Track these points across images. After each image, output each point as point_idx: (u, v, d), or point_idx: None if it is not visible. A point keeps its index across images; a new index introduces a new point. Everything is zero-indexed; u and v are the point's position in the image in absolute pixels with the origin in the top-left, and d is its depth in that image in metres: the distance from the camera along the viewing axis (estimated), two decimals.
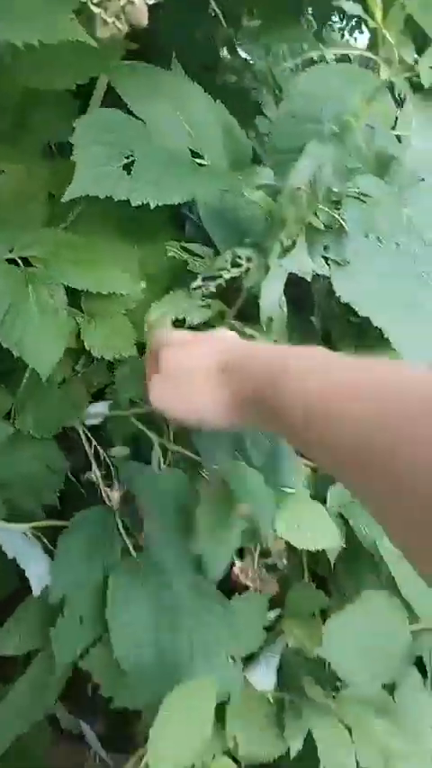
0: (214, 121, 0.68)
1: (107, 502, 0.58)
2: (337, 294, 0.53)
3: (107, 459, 0.61)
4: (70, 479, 0.67)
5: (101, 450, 0.61)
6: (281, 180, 0.52)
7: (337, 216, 0.49)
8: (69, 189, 0.54)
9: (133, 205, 0.55)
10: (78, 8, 0.46)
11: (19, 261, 0.58)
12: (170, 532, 0.53)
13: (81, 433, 0.63)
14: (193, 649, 0.52)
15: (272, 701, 0.54)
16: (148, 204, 0.67)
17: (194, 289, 0.52)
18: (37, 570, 0.50)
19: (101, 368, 0.70)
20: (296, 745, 0.53)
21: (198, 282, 0.52)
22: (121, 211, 0.67)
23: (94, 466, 0.60)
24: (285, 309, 0.52)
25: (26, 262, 0.59)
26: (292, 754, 0.54)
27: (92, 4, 0.37)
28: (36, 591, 0.50)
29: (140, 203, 0.56)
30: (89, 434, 0.62)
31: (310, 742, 0.54)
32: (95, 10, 0.37)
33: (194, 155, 0.64)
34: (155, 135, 0.61)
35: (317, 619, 0.58)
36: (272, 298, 0.50)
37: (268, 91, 1.12)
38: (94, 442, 0.61)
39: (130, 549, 0.55)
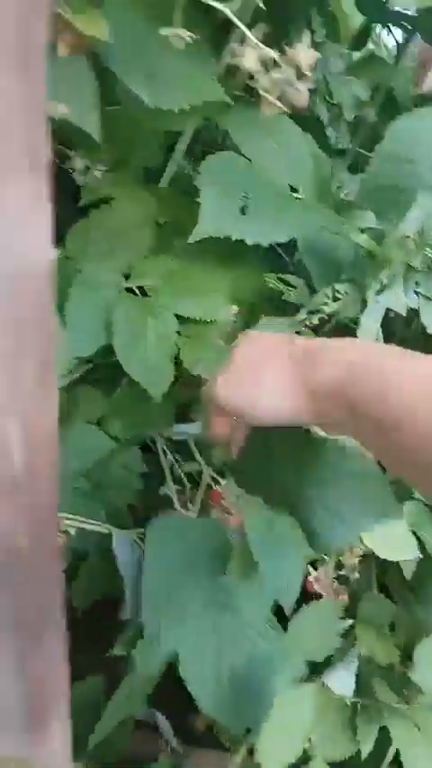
0: (306, 153, 0.73)
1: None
2: (427, 327, 0.58)
3: (182, 477, 0.64)
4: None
5: (177, 467, 0.65)
6: (381, 222, 0.57)
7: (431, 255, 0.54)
8: (195, 231, 0.59)
9: (249, 244, 0.60)
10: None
11: (135, 289, 0.65)
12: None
13: (160, 448, 0.67)
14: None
15: (348, 704, 0.59)
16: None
17: (300, 321, 0.58)
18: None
19: (190, 384, 0.76)
20: (367, 747, 0.59)
21: (302, 316, 0.57)
22: (216, 241, 0.74)
23: (169, 481, 0.63)
24: (382, 340, 0.57)
25: (140, 290, 0.65)
26: (363, 755, 0.59)
27: (262, 91, 0.43)
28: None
29: (253, 243, 0.60)
30: (166, 449, 0.66)
31: (378, 745, 0.60)
32: (264, 94, 0.43)
33: (291, 188, 0.69)
34: (260, 172, 0.66)
35: (385, 629, 0.63)
36: (370, 331, 0.56)
37: (325, 107, 1.14)
38: (169, 457, 0.65)
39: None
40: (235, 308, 0.68)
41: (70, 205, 0.74)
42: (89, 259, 0.69)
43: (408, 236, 0.51)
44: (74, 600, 0.62)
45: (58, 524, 0.37)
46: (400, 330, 0.73)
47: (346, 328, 0.68)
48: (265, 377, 0.42)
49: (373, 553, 0.62)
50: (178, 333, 0.67)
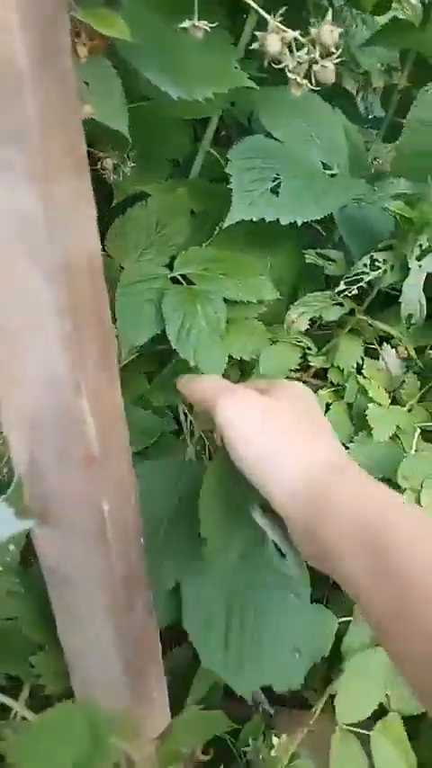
0: (337, 129, 0.74)
1: None
2: None
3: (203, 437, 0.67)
4: None
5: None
6: (417, 187, 0.58)
7: None
8: (229, 216, 0.61)
9: (283, 224, 0.61)
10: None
11: (180, 278, 0.68)
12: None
13: (181, 411, 0.70)
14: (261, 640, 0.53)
15: None
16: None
17: (338, 293, 0.59)
18: None
19: (232, 367, 0.78)
20: None
21: (342, 287, 0.59)
22: (254, 227, 0.75)
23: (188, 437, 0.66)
24: (425, 305, 0.58)
25: (185, 278, 0.68)
26: None
27: (288, 71, 0.44)
28: None
29: (287, 223, 0.62)
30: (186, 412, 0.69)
31: None
32: (291, 76, 0.44)
33: (324, 166, 0.70)
34: (292, 153, 0.68)
35: None
36: (412, 296, 0.57)
37: (352, 77, 1.13)
38: (190, 417, 0.68)
39: None
40: (276, 292, 0.70)
41: (104, 207, 0.77)
42: (130, 255, 0.72)
43: None
44: None
45: (137, 502, 0.41)
46: None
47: (387, 297, 0.69)
48: (285, 461, 0.37)
49: None
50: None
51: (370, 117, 1.17)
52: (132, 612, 0.39)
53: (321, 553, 0.34)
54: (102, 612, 0.38)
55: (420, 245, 0.56)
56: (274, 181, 0.64)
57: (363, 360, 0.69)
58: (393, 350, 0.71)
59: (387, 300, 0.72)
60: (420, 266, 0.56)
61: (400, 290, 0.62)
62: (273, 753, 0.51)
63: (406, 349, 0.70)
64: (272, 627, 0.52)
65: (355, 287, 0.59)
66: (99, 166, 0.72)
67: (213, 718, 0.32)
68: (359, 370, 0.68)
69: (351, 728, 0.54)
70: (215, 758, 0.73)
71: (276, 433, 0.38)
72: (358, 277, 0.59)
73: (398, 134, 0.66)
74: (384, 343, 0.71)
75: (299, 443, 0.38)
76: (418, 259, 0.56)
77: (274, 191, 0.64)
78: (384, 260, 0.58)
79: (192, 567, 0.50)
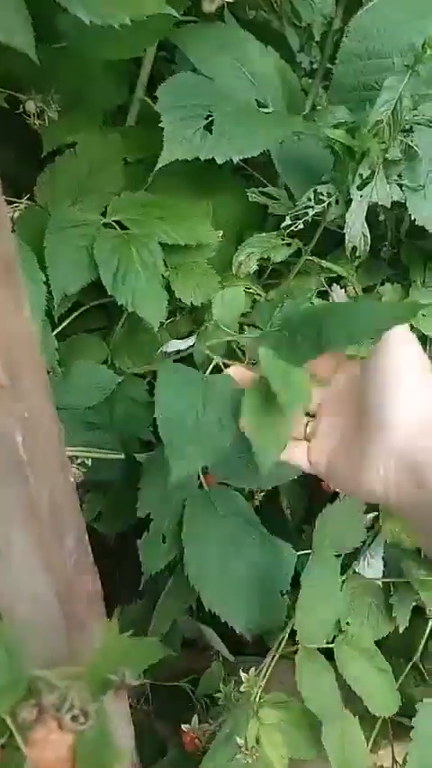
0: (271, 67, 0.72)
1: None
2: (413, 217, 0.58)
3: None
4: None
5: None
6: (355, 116, 0.56)
7: (410, 143, 0.53)
8: (162, 156, 0.58)
9: (219, 163, 0.59)
10: None
11: (114, 224, 0.65)
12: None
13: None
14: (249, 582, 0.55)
15: (380, 586, 0.61)
16: (215, 162, 0.72)
17: (285, 227, 0.57)
18: None
19: (185, 318, 0.77)
20: (404, 622, 0.61)
21: (288, 221, 0.57)
22: (190, 168, 0.73)
23: None
24: (369, 237, 0.57)
25: (119, 225, 0.65)
26: (401, 630, 0.61)
27: None
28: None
29: (224, 161, 0.60)
30: None
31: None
32: None
33: (259, 104, 0.68)
34: (223, 90, 0.65)
35: None
36: (356, 228, 0.55)
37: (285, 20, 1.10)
38: None
39: (204, 483, 0.59)
40: (219, 232, 0.68)
41: (32, 157, 0.73)
42: (61, 204, 0.68)
43: (380, 122, 0.50)
44: (102, 527, 0.63)
45: (61, 432, 0.38)
46: (391, 234, 0.72)
47: (334, 237, 0.68)
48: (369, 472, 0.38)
49: None
50: (165, 264, 0.68)
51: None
52: (62, 545, 0.37)
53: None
54: (27, 545, 0.35)
55: (361, 175, 0.54)
56: (207, 118, 0.62)
57: (313, 303, 0.67)
58: (342, 290, 0.69)
59: (333, 242, 0.71)
60: (362, 196, 0.55)
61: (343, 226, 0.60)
62: (242, 688, 0.50)
63: (354, 288, 0.69)
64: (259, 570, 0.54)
65: (302, 221, 0.57)
66: (21, 110, 0.68)
67: (146, 644, 0.30)
68: None
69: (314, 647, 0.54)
70: (176, 706, 0.72)
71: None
72: (303, 211, 0.57)
73: None
74: (333, 284, 0.70)
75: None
76: (359, 189, 0.55)
77: (208, 128, 0.61)
78: (328, 193, 0.56)
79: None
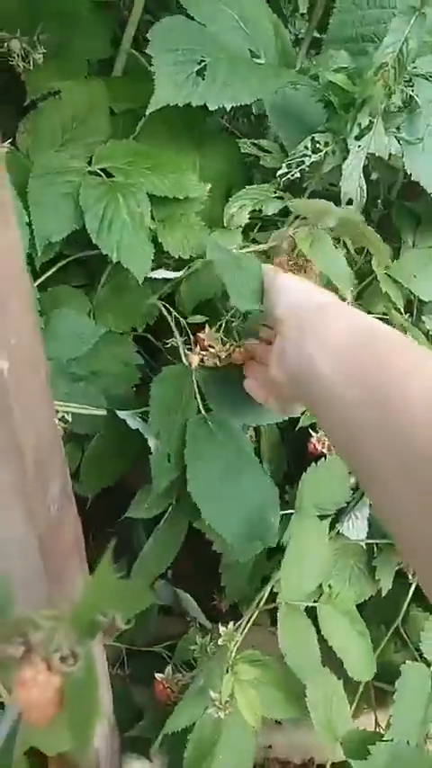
0: (265, 20, 0.69)
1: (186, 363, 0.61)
2: (408, 172, 0.56)
3: (186, 327, 0.64)
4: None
5: (180, 319, 0.64)
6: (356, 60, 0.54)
7: (411, 93, 0.51)
8: (152, 100, 0.56)
9: (211, 109, 0.57)
10: None
11: (100, 173, 0.62)
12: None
13: (161, 306, 0.66)
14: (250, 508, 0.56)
15: (364, 548, 0.61)
16: (204, 112, 0.70)
17: (280, 176, 0.55)
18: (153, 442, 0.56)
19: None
20: (387, 585, 0.61)
21: (284, 170, 0.55)
22: (177, 122, 0.70)
23: (175, 332, 0.63)
24: (365, 189, 0.55)
25: (106, 173, 0.62)
26: (384, 592, 0.61)
27: None
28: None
29: (216, 107, 0.57)
30: (168, 306, 0.65)
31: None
32: None
33: (252, 54, 0.65)
34: (217, 38, 0.62)
35: None
36: (353, 179, 0.53)
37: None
38: (173, 312, 0.64)
39: (202, 410, 0.59)
40: (207, 185, 0.66)
41: (16, 103, 0.70)
42: (44, 151, 0.65)
43: (385, 65, 0.48)
44: (82, 486, 0.61)
45: (48, 369, 0.36)
46: (383, 195, 0.71)
47: (327, 193, 0.66)
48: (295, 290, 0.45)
49: None
50: (152, 218, 0.65)
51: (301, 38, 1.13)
52: (45, 491, 0.35)
53: (306, 379, 0.37)
54: (8, 487, 0.33)
55: (359, 125, 0.53)
56: (199, 63, 0.59)
57: None
58: None
59: (326, 197, 0.70)
60: (360, 146, 0.53)
61: (339, 187, 0.59)
62: (220, 641, 0.49)
63: (345, 245, 0.67)
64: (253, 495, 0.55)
65: (297, 170, 0.55)
66: (5, 48, 0.64)
67: (136, 587, 0.28)
68: None
69: (296, 603, 0.53)
70: (152, 671, 0.71)
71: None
72: (300, 159, 0.54)
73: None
74: None
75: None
76: (358, 138, 0.53)
77: (200, 74, 0.58)
78: (325, 142, 0.54)
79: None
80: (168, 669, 0.54)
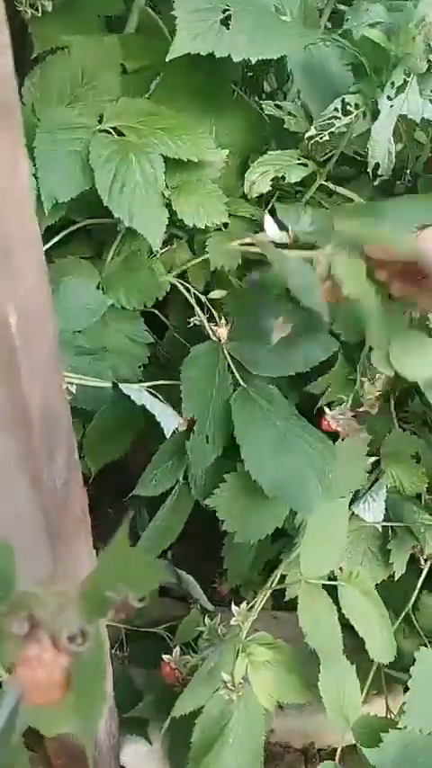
0: None
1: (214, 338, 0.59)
2: None
3: (208, 303, 0.62)
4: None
5: (201, 297, 0.63)
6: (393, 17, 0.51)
7: None
8: (173, 46, 0.52)
9: (235, 61, 0.53)
10: None
11: (111, 131, 0.59)
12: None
13: (179, 284, 0.64)
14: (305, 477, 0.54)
15: (379, 531, 0.59)
16: (221, 74, 0.66)
17: (308, 138, 0.52)
18: (165, 416, 0.54)
19: (182, 247, 0.71)
20: (400, 569, 0.59)
21: (313, 131, 0.51)
22: (194, 82, 0.66)
23: (197, 309, 0.62)
24: (394, 154, 0.52)
25: (117, 132, 0.59)
26: (396, 576, 0.59)
27: None
28: (168, 433, 0.54)
29: (241, 59, 0.54)
30: (186, 284, 0.64)
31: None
32: None
33: (277, 10, 0.62)
34: None
35: (411, 461, 0.61)
36: (382, 141, 0.50)
37: None
38: (192, 290, 0.63)
39: (240, 380, 0.57)
40: (225, 151, 0.62)
41: (20, 56, 0.66)
42: (51, 106, 0.62)
43: (427, 18, 0.45)
44: (84, 463, 0.59)
45: (56, 328, 0.33)
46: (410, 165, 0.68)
47: (353, 161, 0.63)
48: None
49: (392, 390, 0.60)
50: (166, 184, 0.62)
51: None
52: (51, 460, 0.32)
53: None
54: (12, 453, 0.30)
55: (393, 83, 0.49)
56: (224, 13, 0.55)
57: None
58: None
59: (349, 174, 0.67)
60: (392, 106, 0.49)
61: (365, 158, 0.55)
62: (233, 621, 0.47)
63: None
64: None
65: (327, 132, 0.51)
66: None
67: (150, 562, 0.25)
68: None
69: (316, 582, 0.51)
70: (152, 653, 0.70)
71: None
72: (329, 122, 0.51)
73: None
74: None
75: None
76: (390, 99, 0.50)
77: (225, 23, 0.55)
78: (356, 104, 0.51)
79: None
80: (176, 650, 0.52)
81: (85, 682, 0.23)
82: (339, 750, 0.52)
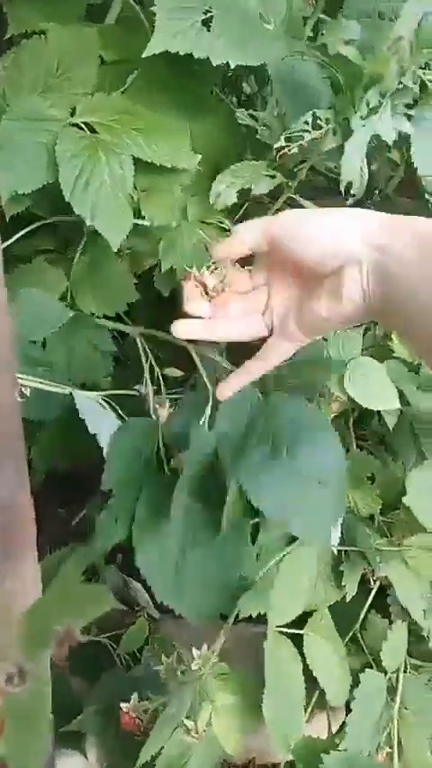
0: None
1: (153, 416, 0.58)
2: (413, 158, 0.54)
3: (159, 377, 0.61)
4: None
5: (155, 367, 0.61)
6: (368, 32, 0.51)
7: (424, 77, 0.48)
8: (150, 43, 0.51)
9: (214, 64, 0.52)
10: None
11: (83, 126, 0.56)
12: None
13: (139, 344, 0.62)
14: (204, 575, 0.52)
15: (335, 554, 0.59)
16: (200, 75, 0.65)
17: (276, 149, 0.51)
18: (110, 432, 0.52)
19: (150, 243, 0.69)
20: (352, 590, 0.59)
21: (281, 143, 0.51)
22: (171, 80, 0.65)
23: (147, 379, 0.60)
24: (367, 174, 0.52)
25: (89, 128, 0.57)
26: (348, 598, 0.59)
27: None
28: (105, 447, 0.52)
29: (219, 62, 0.53)
30: (146, 347, 0.61)
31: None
32: None
33: (261, 19, 0.61)
34: None
35: (366, 482, 0.61)
36: (354, 160, 0.50)
37: None
38: (150, 358, 0.61)
39: (165, 467, 0.55)
40: (198, 156, 0.61)
41: None
42: (22, 93, 0.59)
43: (401, 38, 0.45)
44: (33, 470, 0.56)
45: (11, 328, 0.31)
46: (383, 183, 0.68)
47: (324, 177, 0.63)
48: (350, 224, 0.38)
49: (351, 409, 0.60)
50: (135, 186, 0.60)
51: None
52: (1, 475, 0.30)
53: (392, 296, 0.36)
54: None
55: (368, 103, 0.49)
56: (206, 14, 0.54)
57: None
58: None
59: (320, 191, 0.67)
60: (364, 126, 0.49)
61: (337, 175, 0.55)
62: (193, 666, 0.45)
63: None
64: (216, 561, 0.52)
65: (295, 145, 0.51)
66: None
67: (94, 591, 0.24)
68: None
69: (283, 630, 0.50)
70: (94, 663, 0.67)
71: (331, 213, 0.39)
72: (299, 134, 0.51)
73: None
74: None
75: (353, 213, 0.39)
76: (363, 118, 0.49)
77: (206, 24, 0.54)
78: (327, 119, 0.51)
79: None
80: (134, 697, 0.50)
81: (22, 725, 0.21)
82: (283, 765, 0.51)
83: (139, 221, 0.60)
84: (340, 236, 0.37)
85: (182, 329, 0.41)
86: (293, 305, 0.42)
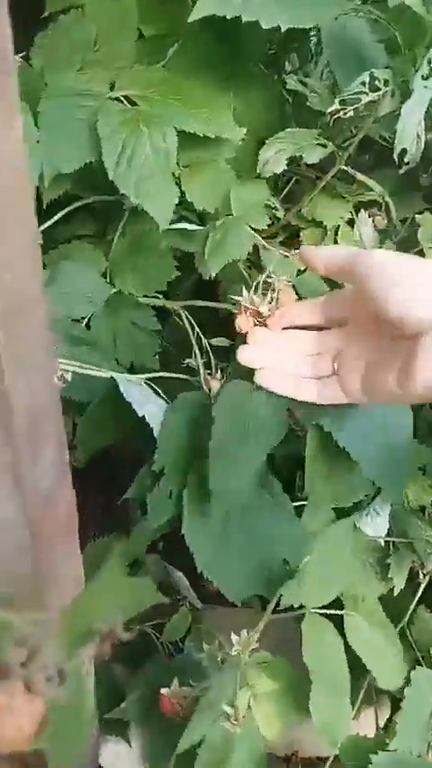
0: None
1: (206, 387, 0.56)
2: None
3: (209, 349, 0.59)
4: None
5: (203, 339, 0.59)
6: None
7: None
8: (196, 7, 0.48)
9: (264, 27, 0.49)
10: None
11: (123, 100, 0.55)
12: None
13: (184, 318, 0.60)
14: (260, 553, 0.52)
15: (380, 545, 0.56)
16: (244, 44, 0.62)
17: (331, 113, 0.48)
18: (157, 414, 0.51)
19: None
20: (400, 584, 0.57)
21: (335, 106, 0.48)
22: (214, 52, 0.62)
23: (196, 351, 0.58)
24: (423, 141, 0.49)
25: (129, 101, 0.55)
26: (396, 591, 0.57)
27: None
28: (156, 431, 0.51)
29: (270, 26, 0.49)
30: (192, 320, 0.60)
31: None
32: None
33: None
34: None
35: (417, 472, 0.59)
36: (410, 124, 0.47)
37: None
38: (197, 330, 0.59)
39: None
40: (243, 129, 0.58)
41: (34, 16, 0.62)
42: (61, 70, 0.57)
43: None
44: (76, 454, 0.56)
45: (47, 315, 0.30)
46: None
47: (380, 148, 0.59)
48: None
49: None
50: (178, 162, 0.58)
51: None
52: (35, 461, 0.29)
53: None
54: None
55: (429, 61, 0.45)
56: None
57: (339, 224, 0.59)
58: (371, 219, 0.61)
59: (371, 163, 0.63)
60: (426, 87, 0.46)
61: (392, 145, 0.52)
62: (233, 651, 0.44)
63: (384, 218, 0.61)
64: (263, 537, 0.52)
65: (351, 108, 0.47)
66: None
67: (139, 584, 0.23)
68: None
69: (321, 612, 0.49)
70: (137, 650, 0.67)
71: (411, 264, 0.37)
72: (355, 97, 0.47)
73: None
74: (362, 211, 0.62)
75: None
76: (425, 78, 0.46)
77: None
78: (385, 80, 0.47)
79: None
80: (175, 682, 0.49)
81: (62, 728, 0.20)
82: (330, 761, 0.50)
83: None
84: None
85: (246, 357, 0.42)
86: (362, 363, 0.39)
